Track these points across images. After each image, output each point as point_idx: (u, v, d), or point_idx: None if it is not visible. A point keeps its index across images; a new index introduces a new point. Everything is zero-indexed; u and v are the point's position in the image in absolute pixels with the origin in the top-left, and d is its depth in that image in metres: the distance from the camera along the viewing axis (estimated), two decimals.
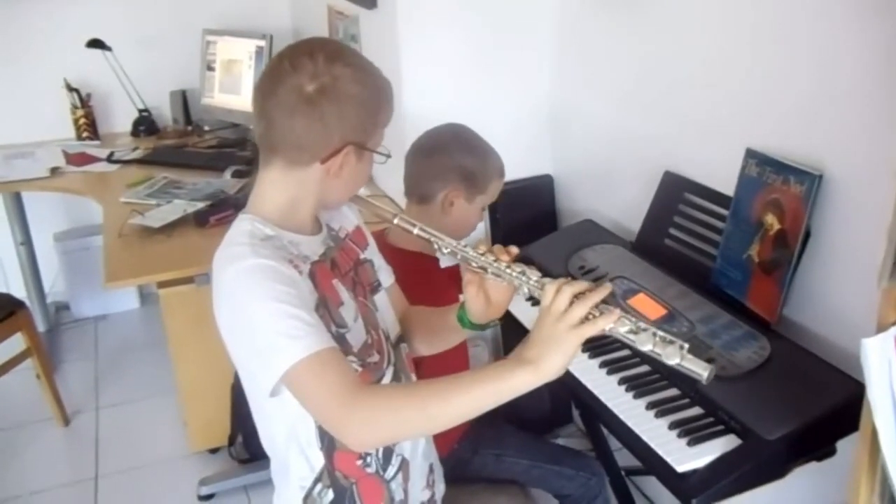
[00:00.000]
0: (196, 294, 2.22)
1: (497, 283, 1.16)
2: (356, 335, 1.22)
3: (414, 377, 1.35)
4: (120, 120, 3.49)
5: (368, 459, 1.24)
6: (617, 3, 2.15)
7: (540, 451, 1.96)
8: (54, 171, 3.03)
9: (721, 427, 1.43)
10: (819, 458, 1.41)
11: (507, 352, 2.18)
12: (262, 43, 3.14)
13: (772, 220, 1.61)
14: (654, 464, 1.40)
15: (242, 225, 1.17)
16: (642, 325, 1.04)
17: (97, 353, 3.39)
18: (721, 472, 1.34)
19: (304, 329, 1.05)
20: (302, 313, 1.06)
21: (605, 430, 2.09)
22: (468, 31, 2.37)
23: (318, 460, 1.21)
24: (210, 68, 3.34)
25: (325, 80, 1.11)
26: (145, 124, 3.45)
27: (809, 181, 1.52)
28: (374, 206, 1.27)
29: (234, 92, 3.24)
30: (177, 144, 3.35)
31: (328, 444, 1.20)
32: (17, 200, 3.36)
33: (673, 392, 1.54)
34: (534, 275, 1.11)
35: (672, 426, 1.44)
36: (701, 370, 1.00)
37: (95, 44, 3.20)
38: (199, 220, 2.47)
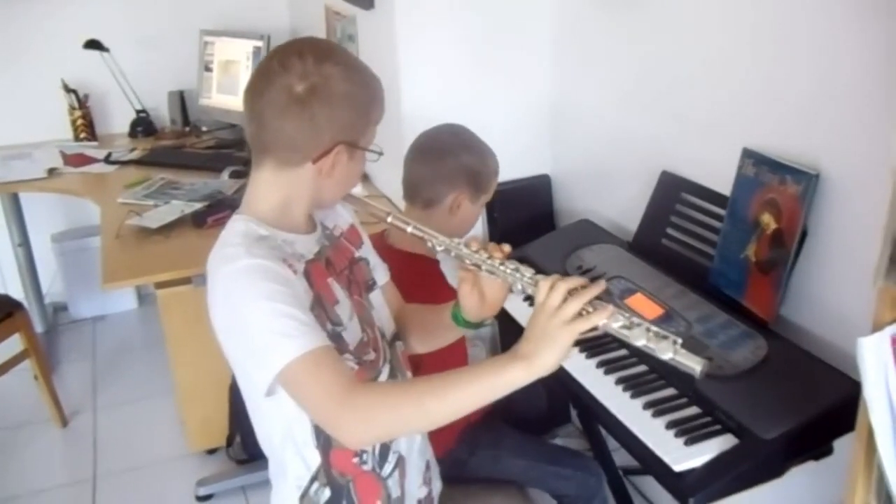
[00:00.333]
0: (194, 295, 2.23)
1: (491, 280, 1.16)
2: (352, 333, 1.22)
3: (410, 375, 1.36)
4: (117, 121, 3.49)
5: (364, 457, 1.24)
6: (615, 3, 2.15)
7: (538, 452, 1.96)
8: (52, 171, 3.03)
9: (718, 426, 1.43)
10: (816, 458, 1.41)
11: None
12: (260, 43, 3.14)
13: (768, 220, 1.61)
14: (651, 463, 1.40)
15: (236, 225, 1.17)
16: (636, 320, 1.04)
17: (95, 354, 3.39)
18: (718, 471, 1.35)
19: (299, 328, 1.06)
20: (296, 312, 1.07)
21: (602, 430, 2.09)
22: (466, 30, 2.37)
23: (315, 459, 1.21)
24: (208, 69, 3.34)
25: (314, 80, 1.11)
26: (143, 125, 3.45)
27: (806, 181, 1.52)
28: (368, 204, 1.27)
29: (231, 93, 3.24)
30: (174, 145, 3.35)
31: (324, 442, 1.20)
32: (15, 201, 3.36)
33: (670, 392, 1.55)
34: (527, 271, 1.11)
35: (669, 426, 1.44)
36: (694, 364, 1.01)
37: (93, 45, 3.20)
38: (197, 220, 2.47)
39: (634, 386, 1.57)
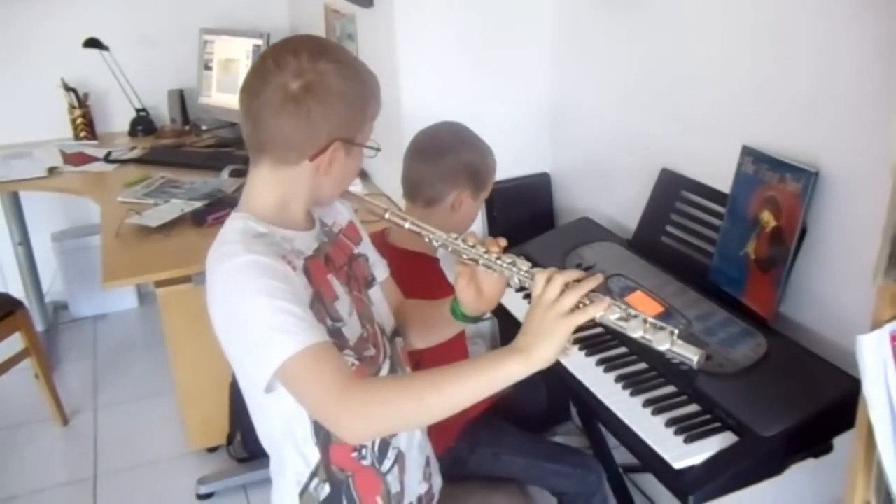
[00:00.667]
0: (194, 293, 2.23)
1: (488, 274, 1.17)
2: (352, 329, 1.22)
3: (409, 371, 1.36)
4: (117, 119, 3.49)
5: (364, 452, 1.25)
6: (615, 3, 2.15)
7: (538, 449, 1.97)
8: (52, 170, 3.03)
9: (718, 424, 1.43)
10: (816, 455, 1.41)
11: None
12: (260, 42, 3.14)
13: (768, 218, 1.61)
14: (651, 461, 1.40)
15: (235, 223, 1.17)
16: (632, 312, 1.04)
17: (95, 353, 3.39)
18: (718, 468, 1.35)
19: (297, 324, 1.06)
20: (295, 308, 1.07)
21: (602, 428, 2.09)
22: (466, 28, 2.36)
23: (314, 455, 1.22)
24: (207, 67, 3.34)
25: (309, 78, 1.11)
26: (143, 124, 3.45)
27: (805, 178, 1.52)
28: (366, 201, 1.27)
29: (231, 91, 3.23)
30: (174, 144, 3.35)
31: (323, 438, 1.21)
32: (15, 200, 3.36)
33: (670, 389, 1.54)
34: (524, 265, 1.12)
35: (669, 423, 1.45)
36: (691, 354, 1.01)
37: (93, 43, 3.19)
38: (197, 219, 2.47)
39: (634, 384, 1.57)
